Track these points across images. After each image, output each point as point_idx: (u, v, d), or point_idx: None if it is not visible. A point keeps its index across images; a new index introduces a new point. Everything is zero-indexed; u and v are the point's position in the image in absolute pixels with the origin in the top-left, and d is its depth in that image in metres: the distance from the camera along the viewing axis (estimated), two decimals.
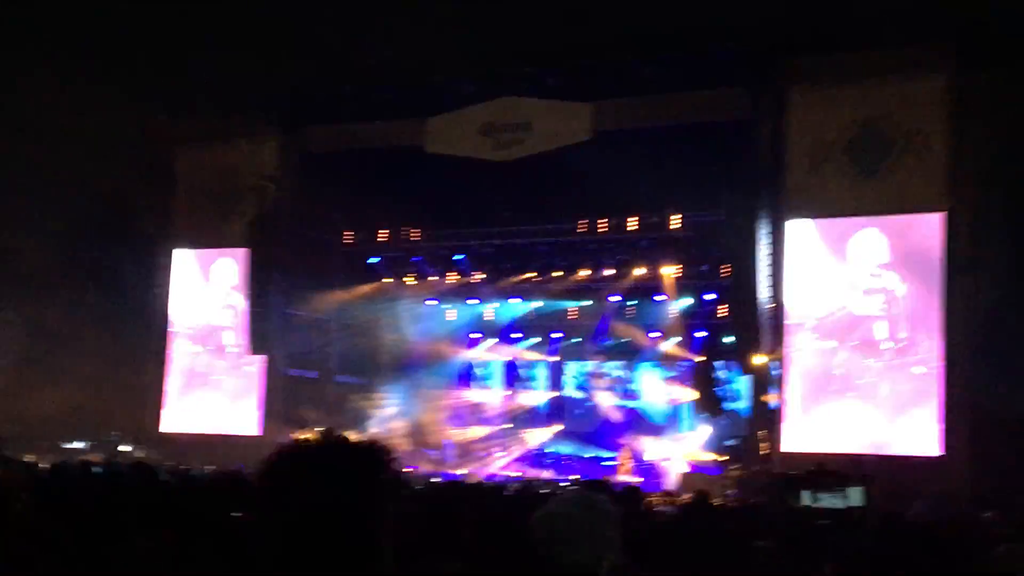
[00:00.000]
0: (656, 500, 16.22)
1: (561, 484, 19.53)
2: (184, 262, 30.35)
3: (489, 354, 33.46)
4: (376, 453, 2.58)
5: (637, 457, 28.52)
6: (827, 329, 23.26)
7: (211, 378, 29.79)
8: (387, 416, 30.33)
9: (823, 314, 23.28)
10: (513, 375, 33.82)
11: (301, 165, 28.67)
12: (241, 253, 28.84)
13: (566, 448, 30.87)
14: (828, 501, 13.64)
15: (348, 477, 2.50)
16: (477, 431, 31.90)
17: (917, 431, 21.95)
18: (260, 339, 28.31)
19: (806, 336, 23.26)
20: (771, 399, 23.70)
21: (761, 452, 23.95)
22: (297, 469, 2.52)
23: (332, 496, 2.45)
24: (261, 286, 28.27)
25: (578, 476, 24.33)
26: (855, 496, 13.76)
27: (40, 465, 13.39)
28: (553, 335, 32.34)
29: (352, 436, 2.63)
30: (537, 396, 33.37)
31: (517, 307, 31.50)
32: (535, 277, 30.08)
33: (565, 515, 3.75)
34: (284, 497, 2.48)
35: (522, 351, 33.15)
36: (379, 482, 2.53)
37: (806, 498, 13.72)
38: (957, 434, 21.52)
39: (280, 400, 28.67)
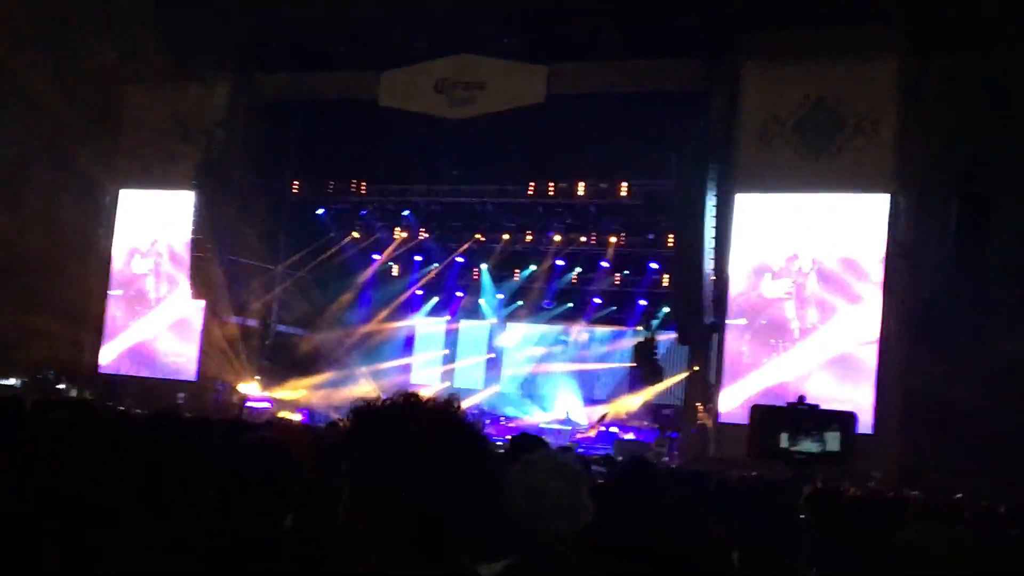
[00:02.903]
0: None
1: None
2: (130, 202, 30.04)
3: (430, 319, 33.34)
4: (458, 413, 2.55)
5: (571, 421, 28.66)
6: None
7: (151, 320, 29.59)
8: (325, 367, 30.21)
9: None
10: (454, 336, 33.78)
11: (252, 112, 28.44)
12: (187, 196, 28.54)
13: (505, 408, 30.88)
14: (806, 445, 13.72)
15: (439, 439, 2.45)
16: (418, 390, 31.85)
17: (849, 409, 22.19)
18: (202, 284, 28.11)
19: (732, 312, 23.59)
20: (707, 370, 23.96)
21: (699, 421, 24.16)
22: (383, 432, 2.47)
23: (426, 459, 2.40)
24: (206, 230, 28.03)
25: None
26: (832, 441, 13.83)
27: None
28: (497, 296, 32.31)
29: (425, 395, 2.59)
30: (476, 357, 33.37)
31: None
32: (481, 239, 30.06)
33: (542, 485, 3.73)
34: (372, 461, 2.43)
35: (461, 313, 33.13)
36: (468, 444, 2.49)
37: (784, 441, 13.78)
38: (889, 415, 21.81)
39: (218, 347, 28.51)
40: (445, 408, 2.55)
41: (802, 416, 14.60)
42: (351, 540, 2.45)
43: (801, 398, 16.19)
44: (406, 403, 2.55)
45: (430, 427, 2.47)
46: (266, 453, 3.65)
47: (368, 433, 2.49)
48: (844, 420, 14.47)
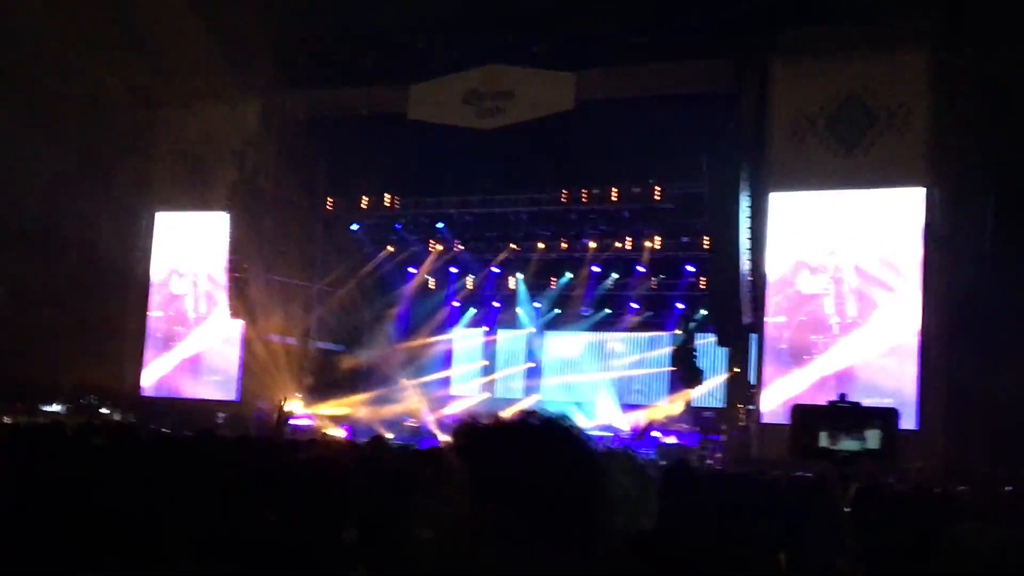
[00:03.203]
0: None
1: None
2: (165, 225, 30.28)
3: (469, 331, 33.36)
4: (575, 431, 2.56)
5: (613, 427, 28.60)
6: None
7: (191, 341, 29.79)
8: (366, 384, 30.29)
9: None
10: (492, 347, 33.79)
11: (283, 130, 28.58)
12: (222, 217, 28.73)
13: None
14: (846, 444, 13.63)
15: (561, 458, 2.46)
16: (455, 405, 31.84)
17: (893, 404, 22.06)
18: (241, 304, 28.28)
19: (770, 310, 23.50)
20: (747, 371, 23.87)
21: (739, 423, 24.07)
22: (506, 451, 2.48)
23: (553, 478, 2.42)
24: (241, 251, 28.21)
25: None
26: (873, 439, 13.73)
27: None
28: (534, 305, 32.30)
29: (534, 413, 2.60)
30: (516, 368, 33.37)
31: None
32: (516, 249, 30.10)
33: (615, 481, 3.72)
34: (495, 479, 2.45)
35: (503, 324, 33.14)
36: (585, 462, 2.51)
37: (824, 440, 13.70)
38: (933, 409, 21.65)
39: (259, 366, 28.65)
40: (557, 423, 2.58)
41: (842, 414, 14.50)
42: (462, 552, 2.47)
43: (842, 396, 16.06)
44: (521, 420, 2.58)
45: (545, 442, 2.50)
46: (315, 472, 3.68)
47: (483, 450, 2.51)
48: (885, 417, 14.33)
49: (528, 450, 2.44)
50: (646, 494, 3.73)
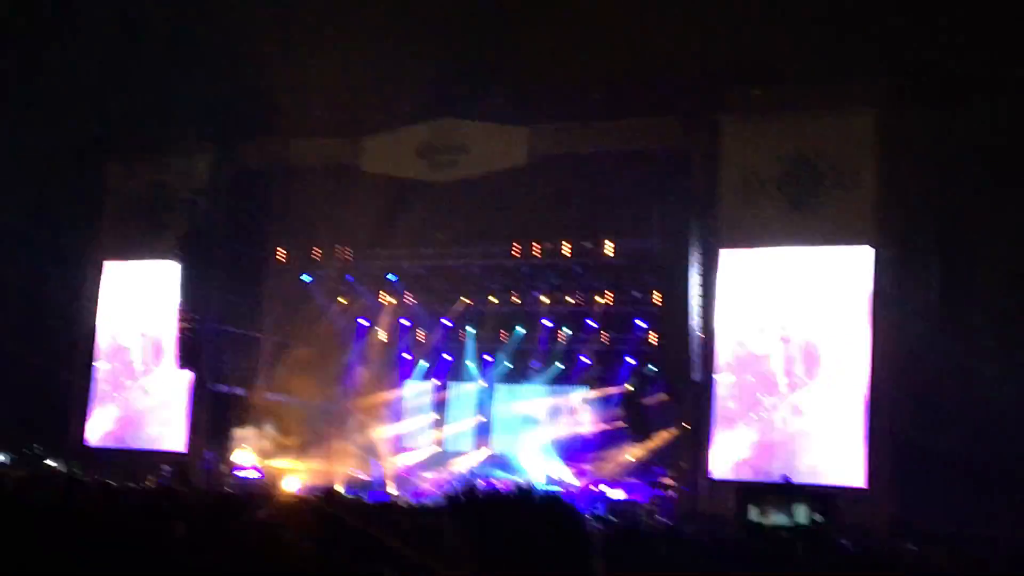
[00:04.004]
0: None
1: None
2: (113, 274, 30.01)
3: (419, 384, 33.20)
4: (571, 509, 2.56)
5: (562, 482, 28.48)
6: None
7: (137, 392, 29.46)
8: (316, 436, 30.04)
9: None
10: (443, 400, 33.63)
11: (234, 180, 28.53)
12: (171, 267, 28.54)
13: (496, 471, 30.68)
14: (775, 518, 13.73)
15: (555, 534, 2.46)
16: (406, 457, 31.62)
17: (841, 462, 22.17)
18: (189, 354, 28.03)
19: (720, 368, 23.59)
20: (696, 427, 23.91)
21: (687, 479, 24.04)
22: (501, 518, 2.47)
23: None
24: (191, 301, 28.00)
25: None
26: (800, 514, 13.83)
27: None
28: (485, 358, 32.22)
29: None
30: (466, 421, 33.21)
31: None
32: (468, 303, 30.10)
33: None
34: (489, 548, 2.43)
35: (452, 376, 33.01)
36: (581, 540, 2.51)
37: (753, 514, 13.80)
38: (880, 467, 21.76)
39: (207, 417, 28.39)
40: (554, 500, 2.58)
41: (770, 490, 14.70)
42: None
43: (786, 479, 16.24)
44: (517, 495, 2.58)
45: (543, 518, 2.50)
46: (261, 537, 3.63)
47: (481, 517, 2.50)
48: (818, 496, 14.52)
49: (531, 524, 2.43)
50: (589, 553, 3.71)
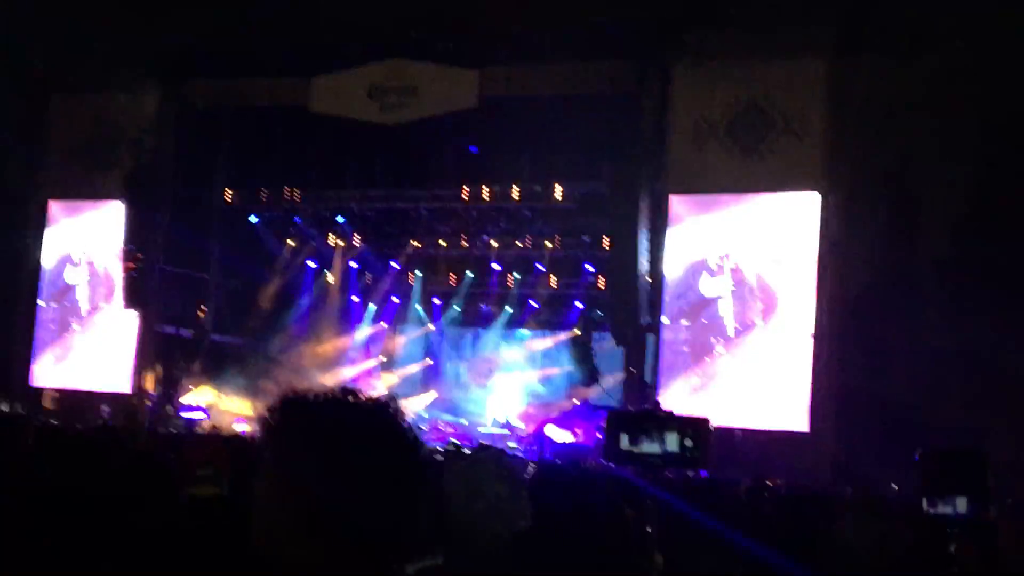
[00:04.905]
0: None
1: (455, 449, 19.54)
2: (59, 212, 29.64)
3: (367, 327, 33.06)
4: (396, 413, 2.45)
5: (510, 425, 28.60)
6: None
7: (82, 332, 29.22)
8: (263, 377, 29.95)
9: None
10: (391, 342, 33.56)
11: (182, 120, 28.15)
12: (117, 206, 28.24)
13: (444, 415, 30.75)
14: (646, 447, 13.80)
15: (377, 440, 2.34)
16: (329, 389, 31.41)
17: (785, 407, 22.39)
18: (135, 295, 27.82)
19: (667, 313, 23.68)
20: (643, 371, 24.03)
21: None
22: (313, 425, 2.35)
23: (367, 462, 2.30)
24: (137, 240, 27.75)
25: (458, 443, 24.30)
26: (672, 442, 13.90)
27: None
28: (434, 301, 32.17)
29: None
30: (414, 365, 33.20)
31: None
32: (417, 245, 30.02)
33: (483, 487, 3.71)
34: (298, 454, 2.31)
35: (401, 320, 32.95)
36: (402, 443, 2.40)
37: (624, 442, 13.86)
38: (823, 412, 22.00)
39: (153, 358, 28.23)
40: (381, 406, 2.47)
41: (646, 419, 14.75)
42: (271, 538, 2.36)
43: (656, 404, 16.36)
44: (341, 397, 2.47)
45: (364, 424, 2.39)
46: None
47: (297, 425, 2.40)
48: (689, 424, 14.58)
49: (342, 428, 2.33)
50: (517, 496, 3.72)
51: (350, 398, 2.46)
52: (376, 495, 2.34)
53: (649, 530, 5.25)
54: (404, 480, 2.39)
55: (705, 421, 14.47)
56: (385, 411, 2.45)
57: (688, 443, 13.42)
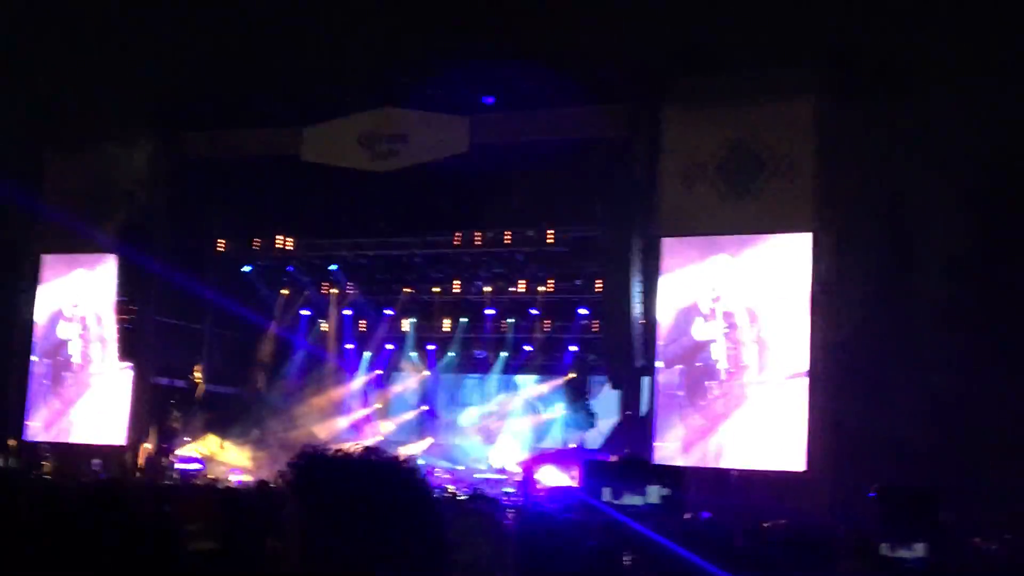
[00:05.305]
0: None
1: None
2: (52, 266, 29.60)
3: (362, 375, 32.99)
4: (416, 472, 2.49)
5: (505, 471, 28.47)
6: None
7: (77, 386, 29.09)
8: (259, 428, 29.86)
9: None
10: (385, 387, 33.48)
11: (175, 171, 28.21)
12: (111, 258, 28.25)
13: (440, 462, 30.63)
14: (628, 499, 13.81)
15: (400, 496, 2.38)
16: (350, 445, 31.40)
17: (781, 447, 22.31)
18: (128, 346, 27.77)
19: (661, 357, 23.64)
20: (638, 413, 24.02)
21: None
22: (335, 482, 2.39)
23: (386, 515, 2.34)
24: (131, 293, 27.75)
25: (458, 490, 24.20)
26: (652, 494, 13.93)
27: None
28: (428, 347, 32.12)
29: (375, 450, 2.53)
30: (410, 411, 33.10)
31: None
32: (410, 292, 30.06)
33: (463, 535, 3.71)
34: (321, 510, 2.35)
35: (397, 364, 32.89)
36: (421, 502, 2.43)
37: (607, 495, 13.88)
38: (820, 451, 21.91)
39: (147, 409, 28.13)
40: (403, 465, 2.52)
41: (624, 470, 14.79)
42: None
43: (627, 452, 16.29)
44: (364, 456, 2.51)
45: (387, 483, 2.43)
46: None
47: (322, 485, 2.43)
48: (669, 473, 14.62)
49: (366, 488, 2.37)
50: (500, 553, 3.73)
51: (372, 457, 2.52)
52: (399, 553, 2.38)
53: None
54: (426, 539, 2.43)
55: (684, 470, 14.52)
56: (407, 470, 2.51)
57: (668, 493, 13.46)
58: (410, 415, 33.07)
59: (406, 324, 31.32)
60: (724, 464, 22.38)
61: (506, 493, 23.86)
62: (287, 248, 30.03)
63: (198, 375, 27.80)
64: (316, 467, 2.48)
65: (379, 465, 2.49)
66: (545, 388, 31.37)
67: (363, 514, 2.37)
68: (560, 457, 27.10)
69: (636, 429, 24.28)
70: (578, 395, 28.91)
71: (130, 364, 28.13)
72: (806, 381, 22.36)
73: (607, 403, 27.80)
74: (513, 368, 31.43)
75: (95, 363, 28.98)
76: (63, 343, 29.40)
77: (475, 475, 28.05)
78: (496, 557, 3.73)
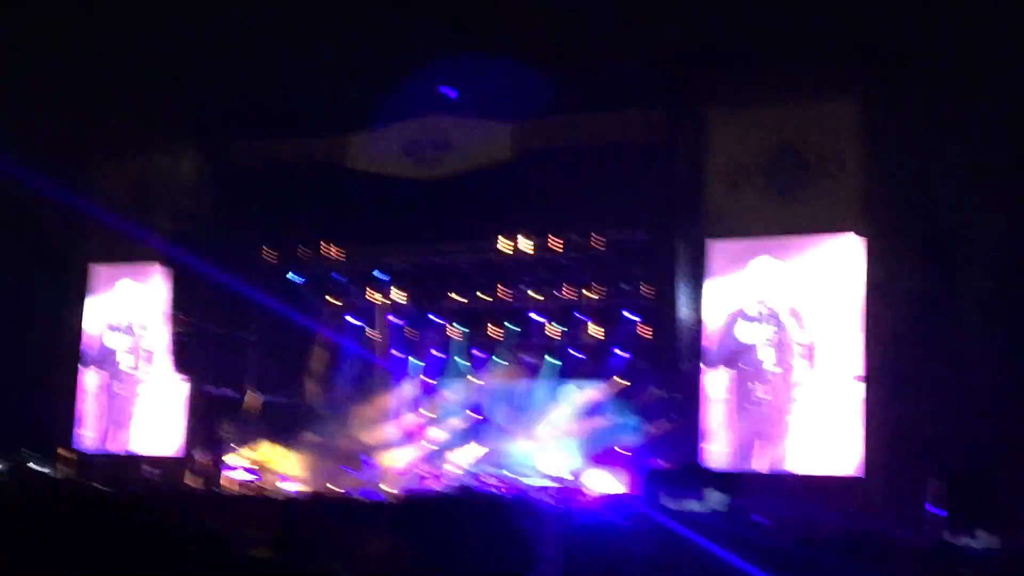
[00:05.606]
0: None
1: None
2: (100, 276, 29.88)
3: (411, 382, 33.05)
4: (509, 509, 2.51)
5: (561, 479, 28.39)
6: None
7: (127, 396, 29.36)
8: (310, 436, 29.94)
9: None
10: (435, 394, 33.51)
11: (220, 180, 28.42)
12: (157, 268, 28.47)
13: (491, 469, 30.58)
14: (688, 504, 13.79)
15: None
16: (402, 453, 31.51)
17: (835, 452, 22.14)
18: (183, 358, 28.00)
19: (708, 360, 23.52)
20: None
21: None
22: (439, 525, 2.42)
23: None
24: (181, 303, 27.96)
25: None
26: (713, 499, 13.88)
27: None
28: (477, 354, 32.09)
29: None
30: (459, 418, 33.09)
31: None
32: (458, 298, 30.09)
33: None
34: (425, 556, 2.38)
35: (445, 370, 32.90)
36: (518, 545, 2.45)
37: (666, 500, 13.85)
38: (877, 455, 21.72)
39: (199, 419, 28.31)
40: (499, 503, 2.53)
41: (684, 476, 14.74)
42: None
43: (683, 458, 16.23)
44: (461, 495, 2.54)
45: (483, 520, 2.45)
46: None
47: (420, 522, 2.46)
48: (728, 478, 14.53)
49: (465, 528, 2.39)
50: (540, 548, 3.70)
51: (467, 496, 2.54)
52: None
53: None
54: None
55: (740, 475, 14.43)
56: (502, 508, 2.53)
57: (728, 499, 13.37)
58: (460, 422, 33.07)
59: (454, 331, 31.32)
60: (778, 469, 22.24)
61: (555, 500, 23.81)
62: (333, 256, 30.13)
63: (249, 387, 27.94)
64: (418, 507, 2.51)
65: (477, 506, 2.51)
66: (594, 393, 31.26)
67: (459, 558, 2.39)
68: (612, 463, 27.05)
69: (685, 434, 24.18)
70: (627, 400, 28.76)
71: (183, 374, 28.35)
72: (859, 384, 22.16)
73: (655, 408, 27.64)
74: (562, 374, 31.33)
75: (145, 372, 29.24)
76: (111, 353, 29.68)
77: (525, 481, 27.99)
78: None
